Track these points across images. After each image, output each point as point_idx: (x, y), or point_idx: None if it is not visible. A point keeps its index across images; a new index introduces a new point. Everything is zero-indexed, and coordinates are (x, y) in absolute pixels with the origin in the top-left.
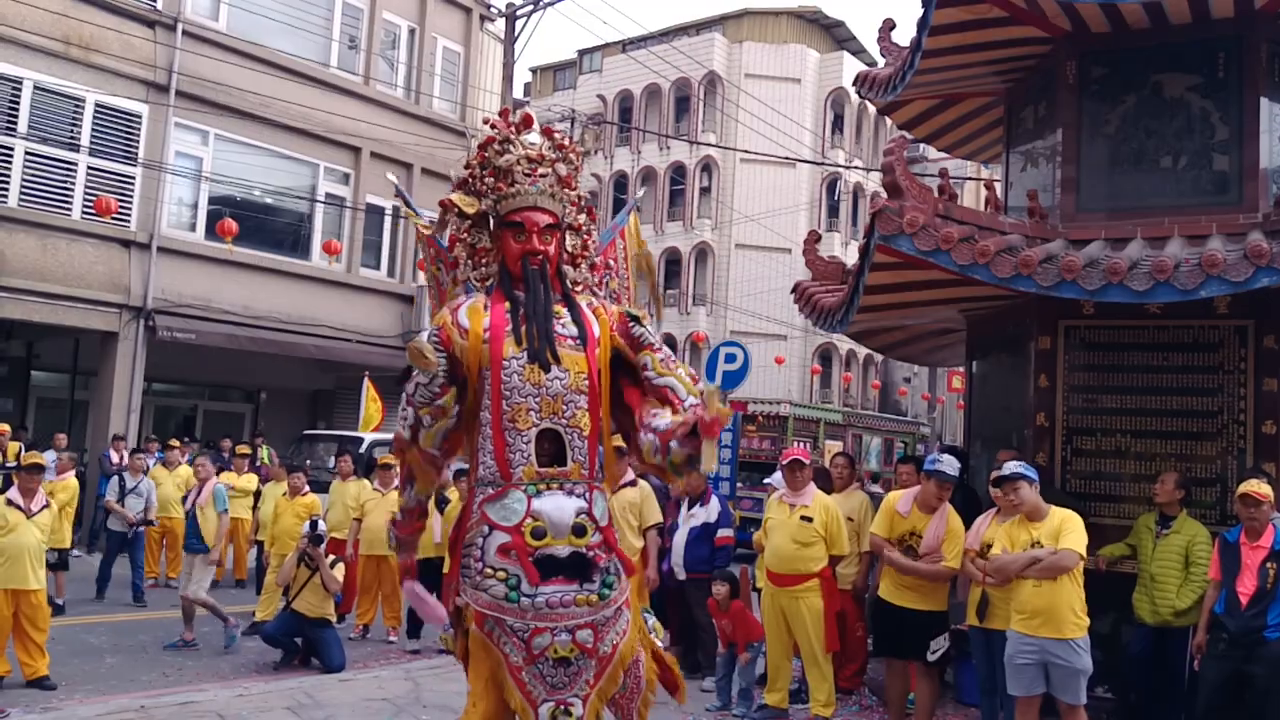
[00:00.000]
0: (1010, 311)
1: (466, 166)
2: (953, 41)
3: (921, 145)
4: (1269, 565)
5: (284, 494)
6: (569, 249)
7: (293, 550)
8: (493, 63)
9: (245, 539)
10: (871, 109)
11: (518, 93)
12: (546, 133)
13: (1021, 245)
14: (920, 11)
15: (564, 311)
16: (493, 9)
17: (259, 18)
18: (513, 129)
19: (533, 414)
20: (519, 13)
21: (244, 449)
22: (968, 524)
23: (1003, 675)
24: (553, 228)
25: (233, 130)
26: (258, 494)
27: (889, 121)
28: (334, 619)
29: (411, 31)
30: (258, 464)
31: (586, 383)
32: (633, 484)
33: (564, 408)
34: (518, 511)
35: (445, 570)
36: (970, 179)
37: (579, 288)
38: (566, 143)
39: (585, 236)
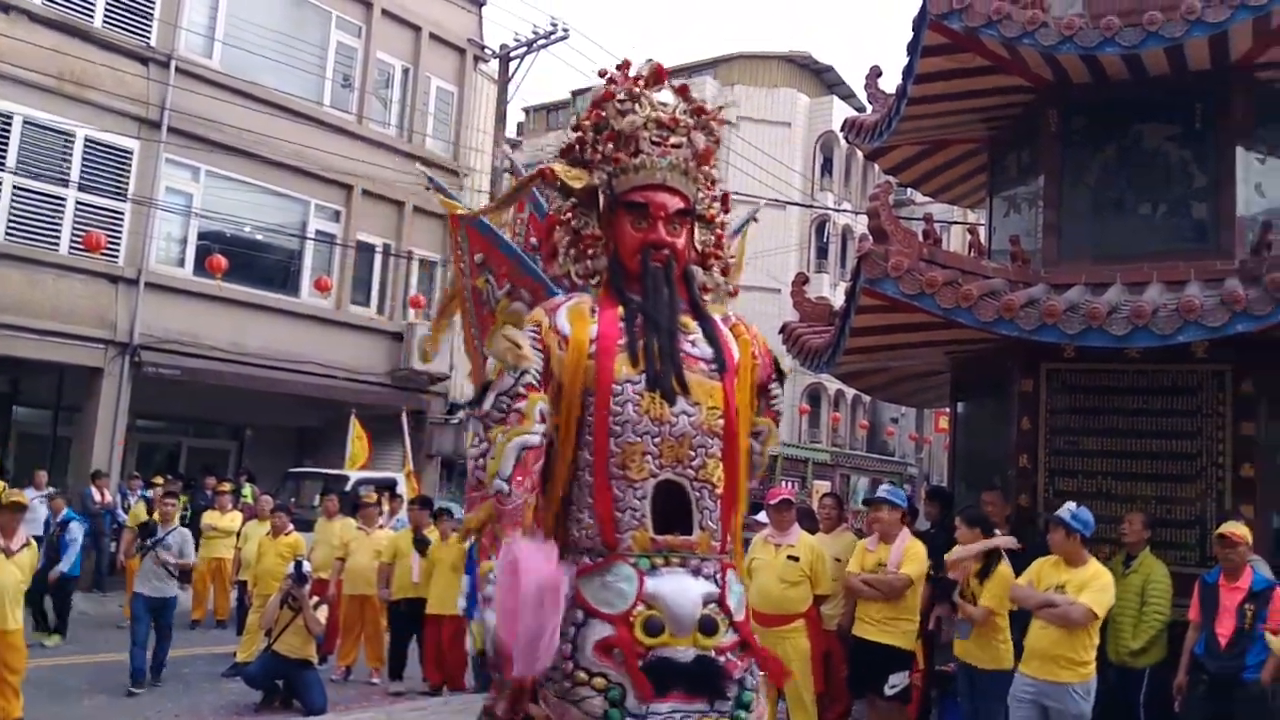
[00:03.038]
0: (993, 354)
1: (576, 128)
2: (938, 90)
3: (908, 189)
4: (1247, 606)
5: (267, 533)
6: (698, 245)
7: (276, 591)
8: (486, 102)
9: (227, 579)
10: (860, 152)
11: (511, 132)
12: (682, 92)
13: (1004, 290)
14: (906, 60)
15: (694, 325)
16: (487, 50)
17: (253, 56)
18: (639, 83)
19: (650, 460)
20: (513, 54)
21: (226, 486)
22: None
23: (985, 714)
24: (683, 215)
25: (224, 167)
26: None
27: (877, 166)
28: (316, 660)
29: (405, 71)
30: (240, 502)
31: (722, 422)
32: None
33: (691, 454)
34: (625, 594)
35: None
36: (955, 223)
37: (710, 296)
38: (707, 107)
39: (719, 231)
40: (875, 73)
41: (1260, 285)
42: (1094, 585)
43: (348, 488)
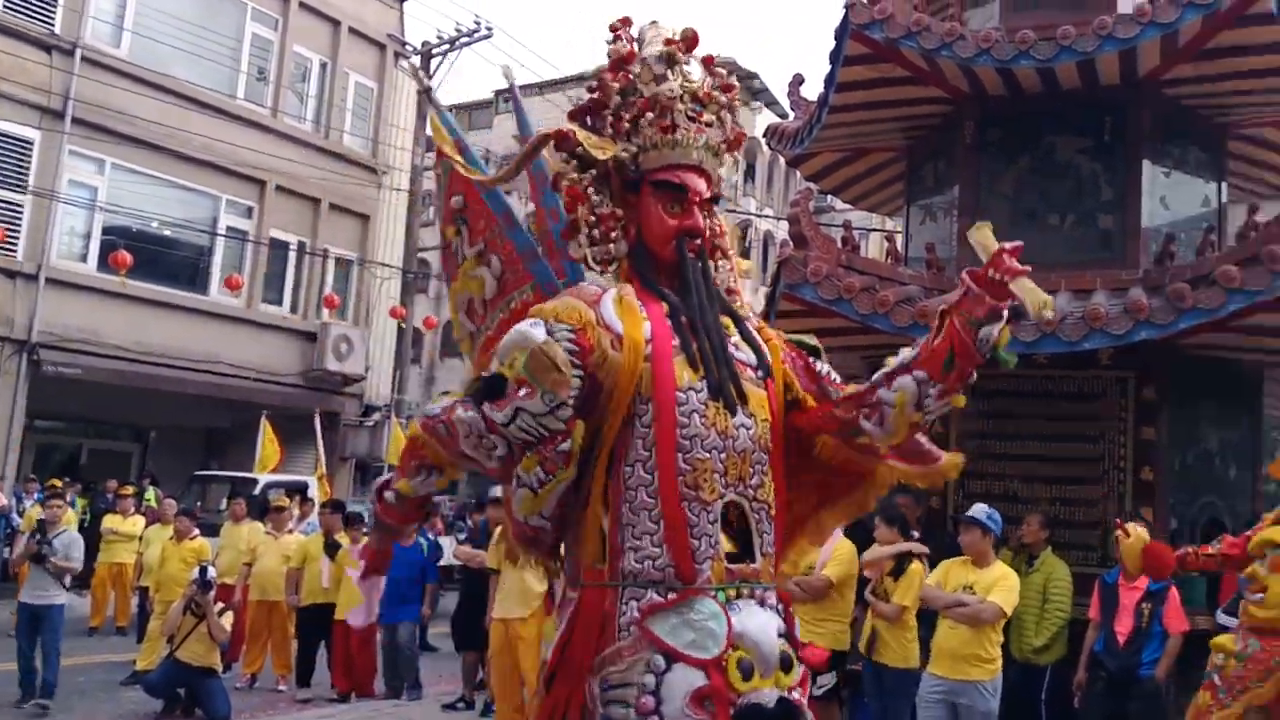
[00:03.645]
0: None
1: (596, 89)
2: (859, 98)
3: (829, 197)
4: (1144, 605)
5: (171, 538)
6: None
7: (180, 597)
8: (407, 100)
9: (128, 584)
10: (782, 159)
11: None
12: (708, 64)
13: (919, 296)
14: (828, 68)
15: (732, 326)
16: (408, 46)
17: (164, 45)
18: (676, 46)
19: (718, 478)
20: (434, 51)
21: (128, 489)
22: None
23: (892, 711)
24: (711, 202)
25: (131, 160)
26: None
27: (798, 173)
28: (220, 668)
29: (323, 65)
30: (144, 506)
31: (770, 435)
32: None
33: (750, 471)
34: (716, 635)
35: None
36: (874, 230)
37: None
38: (730, 83)
39: (719, 222)
40: (798, 80)
41: (1163, 295)
42: (1002, 585)
43: (256, 491)
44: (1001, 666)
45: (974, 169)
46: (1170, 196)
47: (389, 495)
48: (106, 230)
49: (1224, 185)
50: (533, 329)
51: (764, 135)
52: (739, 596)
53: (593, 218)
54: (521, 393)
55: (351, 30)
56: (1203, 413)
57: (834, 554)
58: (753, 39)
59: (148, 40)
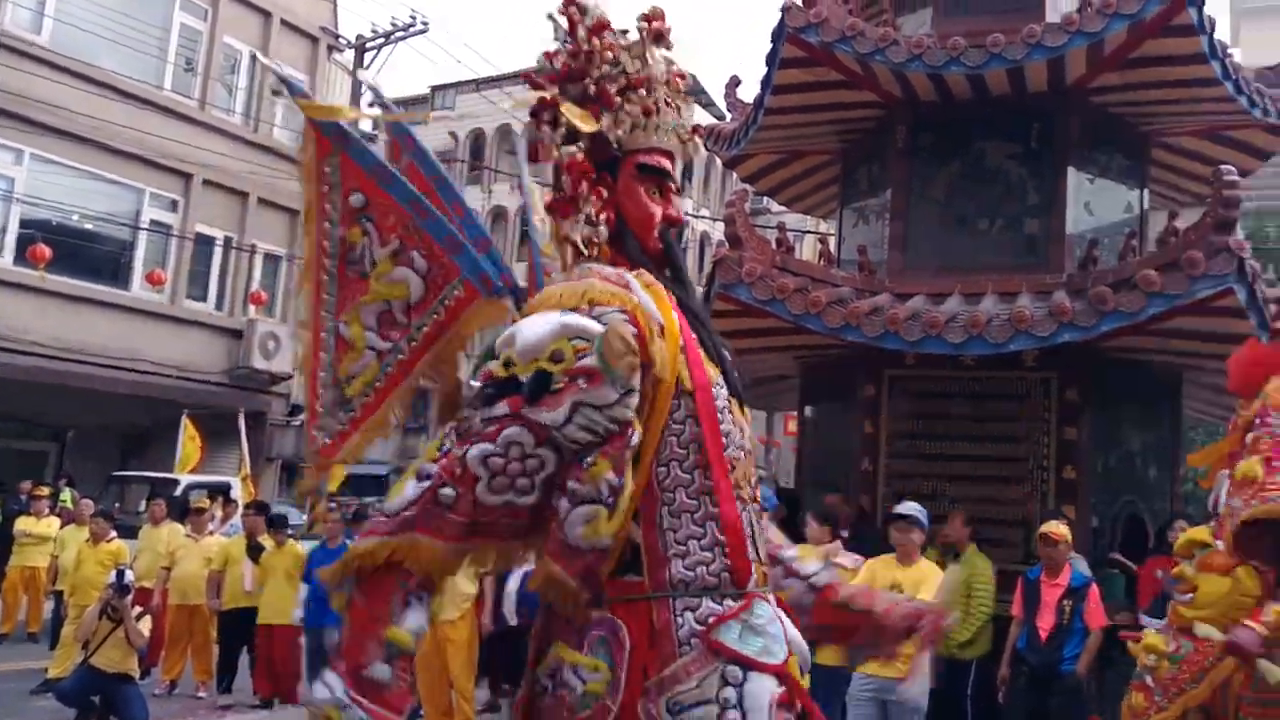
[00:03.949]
0: (840, 360)
1: (576, 54)
2: (794, 101)
3: (765, 198)
4: (1065, 602)
5: (86, 540)
6: None
7: (95, 601)
8: (340, 93)
9: (42, 589)
10: (719, 161)
11: (366, 125)
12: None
13: (851, 298)
14: (764, 71)
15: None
16: (341, 39)
17: (88, 34)
18: (655, 25)
19: (747, 478)
20: (368, 45)
21: (43, 490)
22: None
23: (840, 712)
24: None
25: (50, 150)
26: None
27: (735, 174)
28: (137, 674)
29: (253, 57)
30: (59, 507)
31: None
32: None
33: (752, 473)
34: (779, 639)
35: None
36: (808, 233)
37: None
38: (683, 72)
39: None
40: (734, 82)
41: (1085, 299)
42: (930, 583)
43: (177, 492)
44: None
45: (906, 173)
46: (1094, 202)
47: (377, 673)
48: (24, 223)
49: (1146, 192)
50: (570, 317)
51: (700, 136)
52: (766, 599)
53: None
54: (580, 383)
55: (283, 22)
56: (1124, 414)
57: None
58: (689, 39)
59: (70, 28)
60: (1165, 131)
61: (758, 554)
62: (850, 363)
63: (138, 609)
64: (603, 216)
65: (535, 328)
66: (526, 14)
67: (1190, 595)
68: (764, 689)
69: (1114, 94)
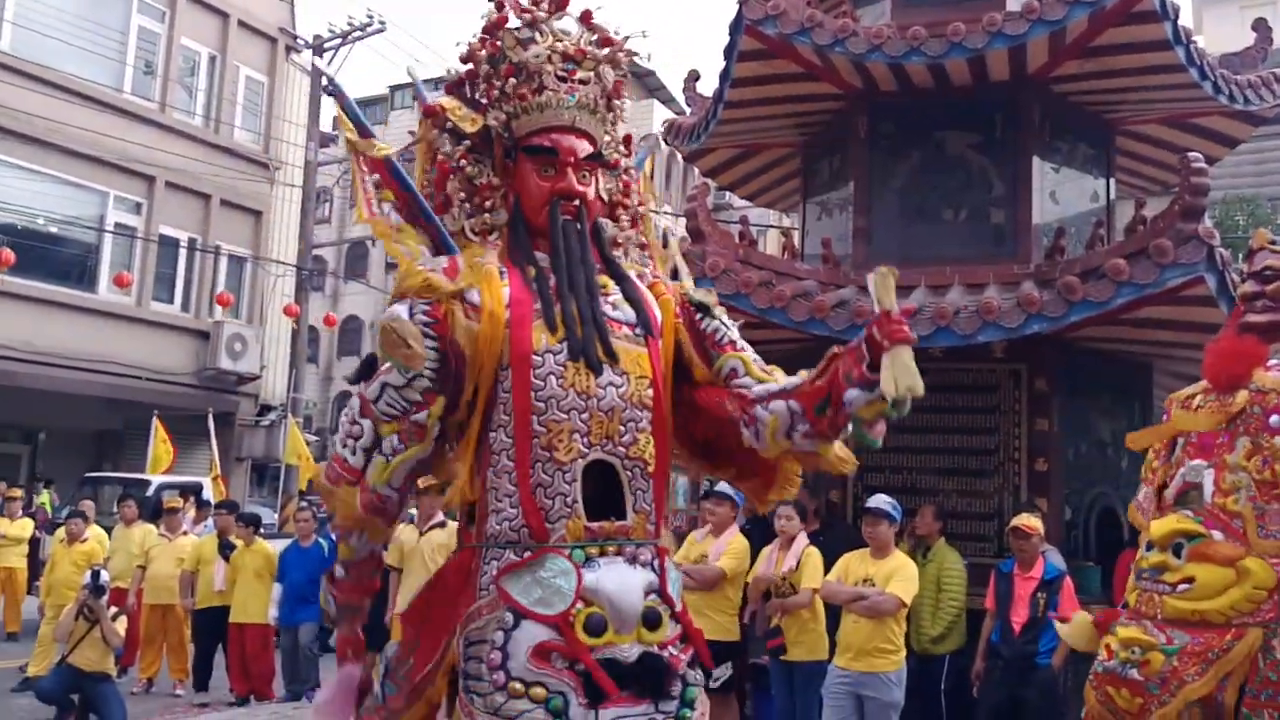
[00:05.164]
0: (806, 354)
1: (466, 59)
2: (753, 94)
3: (727, 193)
4: (1039, 595)
5: (61, 540)
6: (605, 194)
7: (72, 602)
8: (299, 94)
9: (19, 589)
10: (680, 156)
11: (325, 125)
12: (585, 20)
13: (816, 291)
14: (723, 65)
15: (611, 285)
16: (300, 40)
17: (47, 38)
18: (540, 8)
19: (578, 438)
20: (327, 45)
21: (16, 492)
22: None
23: (801, 706)
24: (592, 160)
25: (13, 155)
26: (35, 541)
27: (696, 169)
28: (114, 673)
29: (212, 59)
30: (36, 508)
31: (651, 393)
32: (441, 525)
33: (621, 430)
34: (564, 592)
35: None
36: (771, 226)
37: (620, 251)
38: (613, 37)
39: (625, 178)
40: (693, 76)
41: (1053, 288)
42: (900, 575)
43: (149, 493)
44: (905, 657)
45: (867, 165)
46: (1060, 192)
47: (338, 571)
48: None
49: (1112, 181)
50: (396, 307)
51: (660, 131)
52: (601, 554)
53: (469, 189)
54: (385, 367)
55: (241, 23)
56: (1095, 404)
57: (729, 547)
58: (651, 38)
59: (30, 33)
60: (1130, 119)
61: (572, 511)
62: (817, 357)
63: (113, 609)
64: (490, 204)
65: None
66: (482, 12)
67: (1185, 586)
68: (529, 635)
69: (1077, 82)
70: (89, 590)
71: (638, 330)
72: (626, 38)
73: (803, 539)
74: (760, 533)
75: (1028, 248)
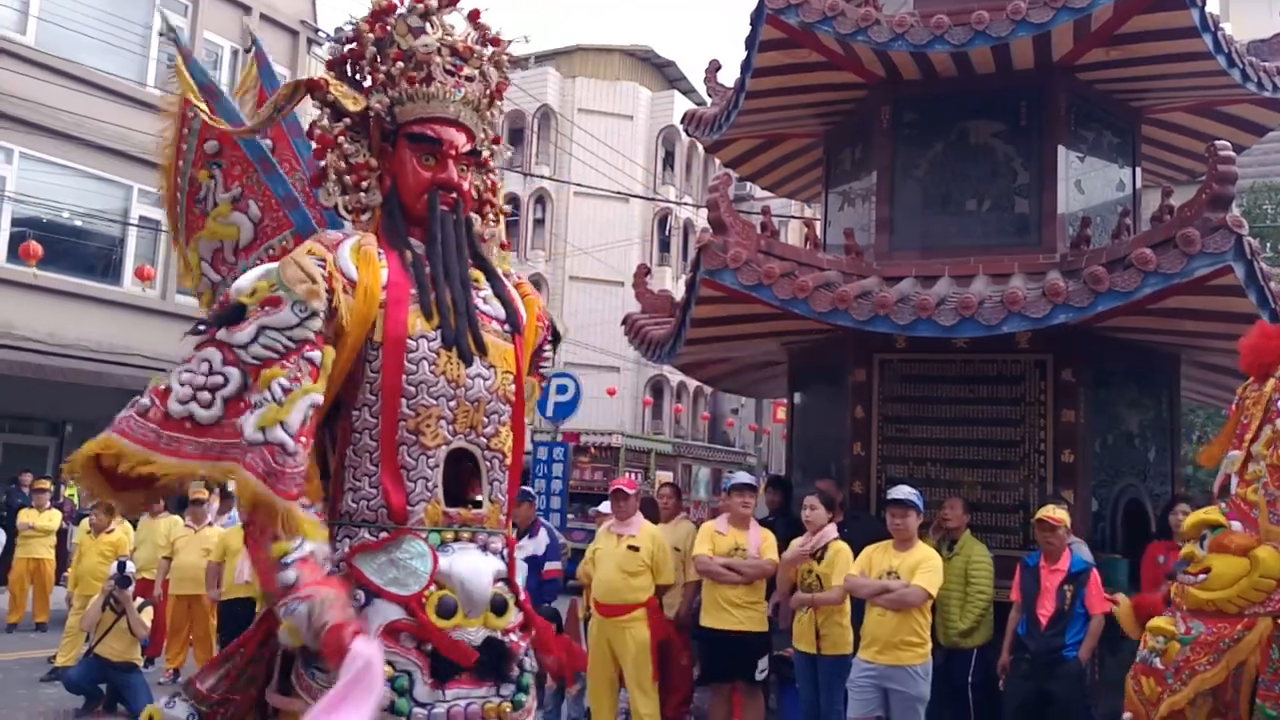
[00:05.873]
0: (828, 345)
1: (351, 40)
2: (774, 84)
3: (748, 184)
4: (1066, 587)
5: (88, 531)
6: (475, 190)
7: (98, 592)
8: None
9: (47, 580)
10: (701, 147)
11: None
12: (473, 19)
13: (838, 281)
14: (744, 54)
15: (482, 280)
16: (321, 33)
17: (72, 34)
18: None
19: (445, 425)
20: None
21: (44, 484)
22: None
23: (826, 699)
24: (470, 156)
25: (40, 149)
26: (62, 532)
27: (717, 160)
28: (141, 663)
29: (235, 52)
30: (63, 500)
31: (514, 388)
32: None
33: (485, 421)
34: (419, 573)
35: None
36: (793, 217)
37: (486, 247)
38: (497, 38)
39: (492, 178)
40: (714, 66)
41: (1079, 278)
42: (925, 567)
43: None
44: (931, 650)
45: (890, 154)
46: (1085, 181)
47: (285, 579)
48: (16, 221)
49: (1138, 170)
50: (272, 266)
51: (682, 121)
52: (456, 540)
53: (344, 165)
54: (265, 310)
55: (263, 16)
56: (1121, 395)
57: (765, 540)
58: (672, 29)
59: (55, 27)
60: (1157, 107)
61: (433, 495)
62: (839, 347)
63: (139, 600)
64: (365, 184)
65: (248, 276)
66: (500, 6)
67: (1203, 576)
68: (380, 614)
69: (1102, 70)
70: (115, 581)
71: (506, 326)
72: (510, 41)
73: (831, 530)
74: (785, 524)
75: (1053, 237)
